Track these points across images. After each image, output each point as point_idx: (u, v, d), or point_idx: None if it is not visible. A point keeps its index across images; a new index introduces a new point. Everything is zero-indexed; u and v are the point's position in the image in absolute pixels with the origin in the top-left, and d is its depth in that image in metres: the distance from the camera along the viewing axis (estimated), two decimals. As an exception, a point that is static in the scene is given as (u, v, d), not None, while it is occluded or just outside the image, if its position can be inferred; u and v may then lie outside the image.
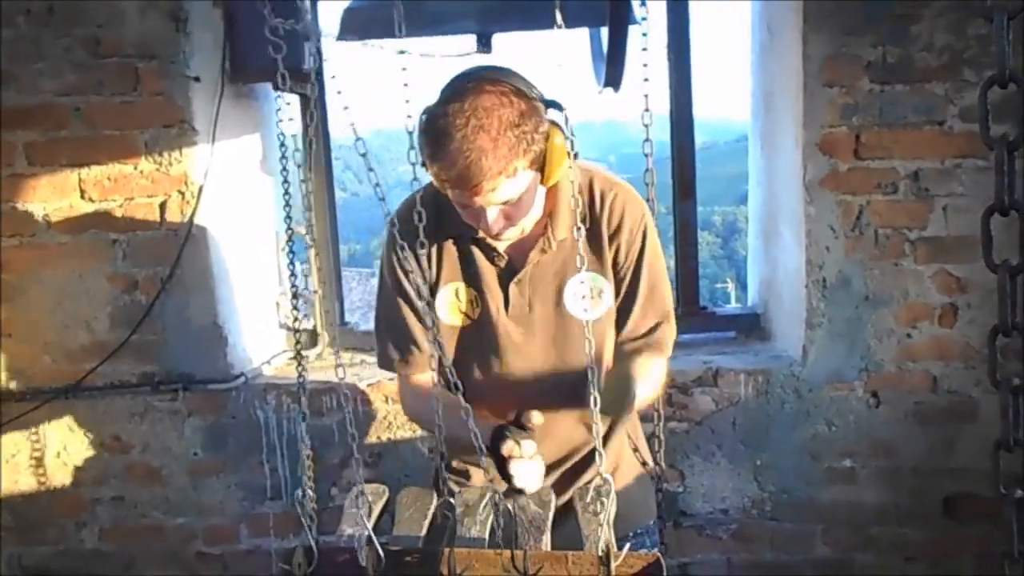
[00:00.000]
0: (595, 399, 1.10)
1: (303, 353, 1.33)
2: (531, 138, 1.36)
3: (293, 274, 1.39)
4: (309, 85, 0.99)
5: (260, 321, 2.74)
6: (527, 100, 1.37)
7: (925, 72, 2.30)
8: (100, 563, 2.69)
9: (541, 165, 1.41)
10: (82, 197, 2.48)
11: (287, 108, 1.14)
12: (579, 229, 1.10)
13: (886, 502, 2.50)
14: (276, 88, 1.03)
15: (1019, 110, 0.66)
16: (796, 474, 2.52)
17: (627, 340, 1.60)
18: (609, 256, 1.56)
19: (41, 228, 2.50)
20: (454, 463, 1.71)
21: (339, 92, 1.01)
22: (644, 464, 1.78)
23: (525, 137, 1.35)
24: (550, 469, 1.65)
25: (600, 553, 1.12)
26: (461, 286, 1.58)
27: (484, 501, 1.31)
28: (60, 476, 2.64)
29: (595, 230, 1.54)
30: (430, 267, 1.56)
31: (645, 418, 2.40)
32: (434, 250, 1.56)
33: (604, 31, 2.26)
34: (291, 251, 1.37)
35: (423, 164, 1.41)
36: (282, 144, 1.14)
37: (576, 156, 1.45)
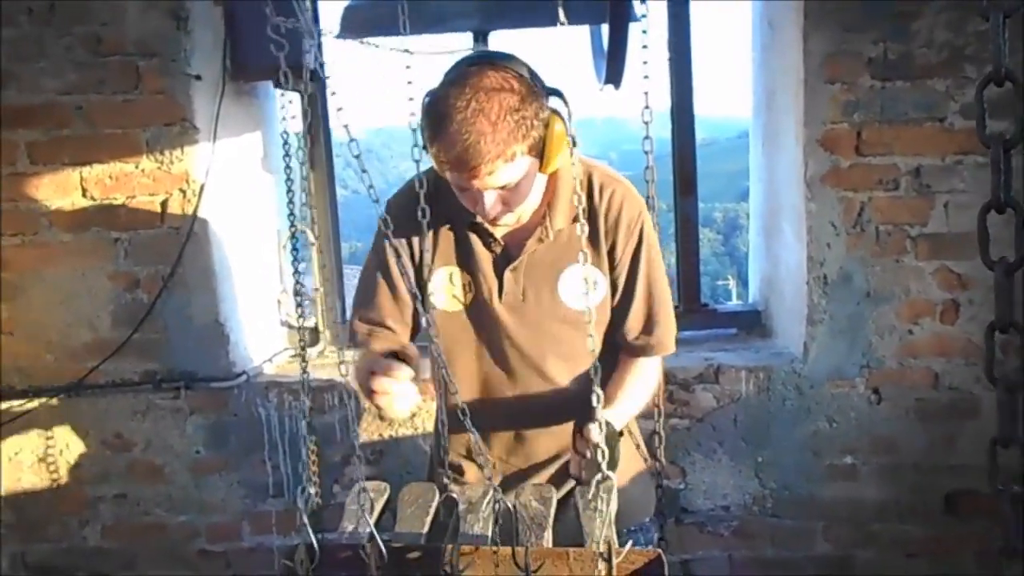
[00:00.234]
0: (598, 396, 1.11)
1: (306, 351, 1.33)
2: (531, 124, 1.37)
3: (296, 272, 1.39)
4: (309, 83, 0.99)
5: (262, 319, 2.74)
6: (528, 86, 1.38)
7: (926, 68, 2.30)
8: (102, 561, 2.70)
9: (540, 152, 1.41)
10: (84, 195, 2.48)
11: (289, 106, 1.14)
12: (583, 225, 1.11)
13: (887, 499, 2.51)
14: (278, 86, 1.04)
15: (1017, 108, 0.66)
16: (797, 471, 2.52)
17: (626, 337, 1.60)
18: (605, 250, 1.57)
19: (43, 227, 2.50)
20: (449, 458, 1.72)
21: (333, 93, 1.01)
22: (646, 460, 1.79)
23: (525, 122, 1.36)
24: (547, 463, 1.66)
25: (601, 550, 1.12)
26: (456, 271, 1.58)
27: (486, 498, 1.32)
28: (62, 474, 2.65)
29: (593, 223, 1.55)
30: (424, 251, 1.57)
31: (646, 415, 2.41)
32: (429, 234, 1.56)
33: (605, 28, 2.26)
34: (294, 248, 1.37)
35: (424, 147, 1.42)
36: (285, 143, 1.14)
37: (576, 144, 1.46)
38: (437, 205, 1.49)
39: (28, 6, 2.37)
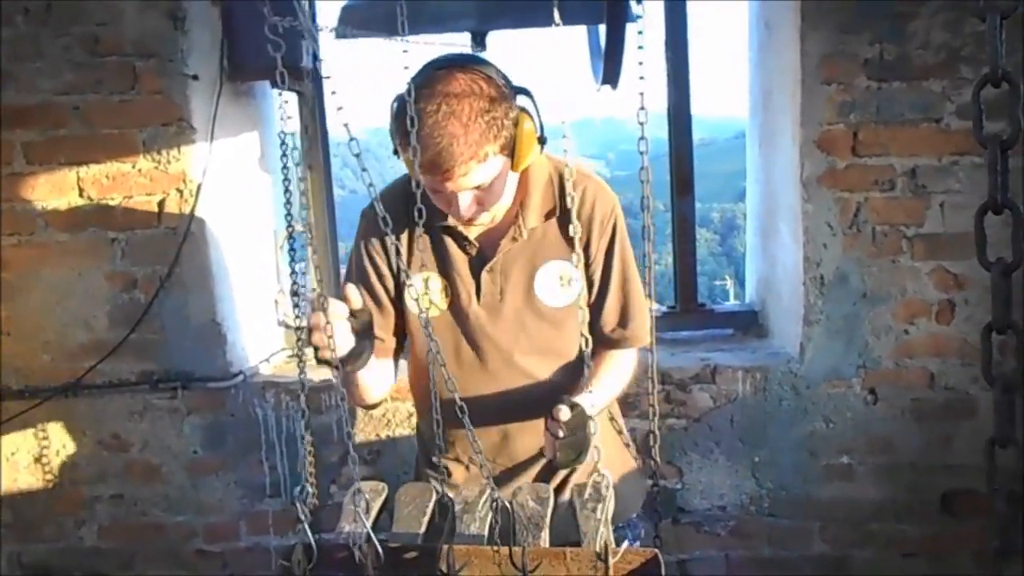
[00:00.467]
0: (589, 387, 1.11)
1: (302, 351, 1.33)
2: (501, 123, 1.38)
3: (293, 272, 1.39)
4: (306, 83, 0.99)
5: (259, 319, 2.74)
6: (497, 86, 1.40)
7: (922, 69, 2.31)
8: (100, 561, 2.69)
9: (511, 151, 1.43)
10: (81, 196, 2.48)
11: (286, 106, 1.14)
12: (576, 227, 1.11)
13: (884, 499, 2.51)
14: (275, 86, 1.03)
15: (1012, 110, 0.66)
16: (794, 471, 2.52)
17: (602, 331, 1.62)
18: (580, 246, 1.58)
19: (40, 227, 2.50)
20: (434, 459, 1.72)
21: (333, 92, 1.01)
22: (635, 458, 1.80)
23: (496, 123, 1.37)
24: (532, 461, 1.66)
25: (598, 550, 1.13)
26: (432, 275, 1.59)
27: (483, 498, 1.32)
28: (59, 474, 2.65)
29: (566, 219, 1.56)
30: (399, 257, 1.58)
31: (643, 415, 2.42)
32: (404, 239, 1.58)
33: (602, 28, 2.26)
34: (292, 248, 1.37)
35: (395, 152, 1.43)
36: (283, 143, 1.14)
37: (544, 142, 1.47)
38: (411, 211, 1.50)
39: (25, 6, 2.37)
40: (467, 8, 2.12)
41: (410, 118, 1.09)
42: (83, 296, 2.52)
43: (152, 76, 2.40)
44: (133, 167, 2.46)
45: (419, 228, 1.55)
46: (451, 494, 1.31)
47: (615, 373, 1.66)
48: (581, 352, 1.63)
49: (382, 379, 1.64)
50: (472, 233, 1.57)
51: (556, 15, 1.14)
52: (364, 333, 1.39)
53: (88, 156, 2.46)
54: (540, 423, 1.61)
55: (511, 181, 1.50)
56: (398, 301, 1.62)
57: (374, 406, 1.74)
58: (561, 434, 1.37)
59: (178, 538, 2.67)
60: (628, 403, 2.45)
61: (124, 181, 2.47)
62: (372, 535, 1.12)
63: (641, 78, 1.19)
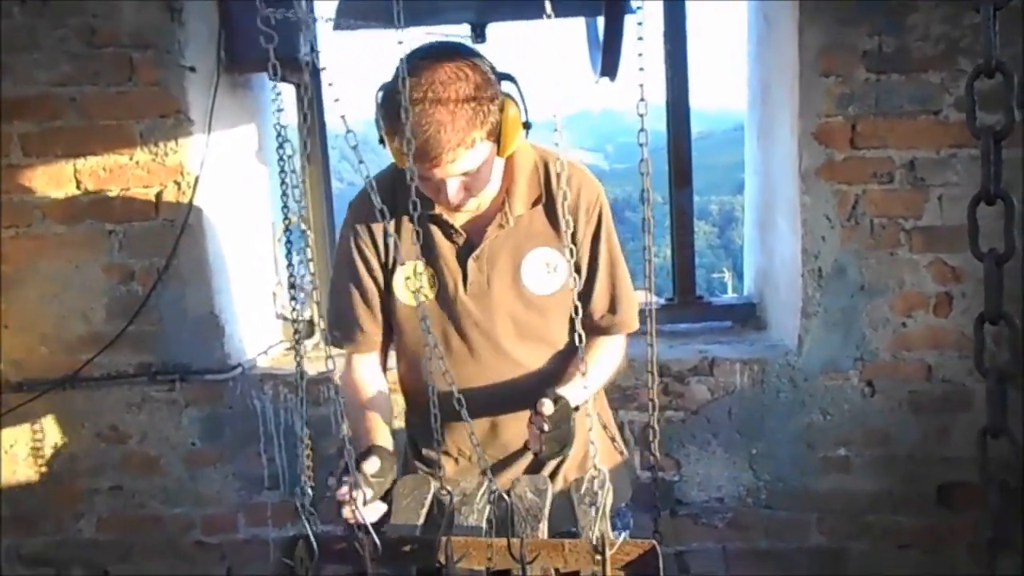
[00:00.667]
0: (583, 373, 1.12)
1: (300, 344, 1.33)
2: (487, 109, 1.39)
3: (290, 264, 1.39)
4: (304, 75, 0.99)
5: (257, 311, 2.74)
6: (481, 73, 1.40)
7: (921, 61, 2.31)
8: (98, 553, 2.70)
9: (498, 136, 1.44)
10: (78, 188, 2.48)
11: (283, 98, 1.14)
12: (568, 221, 1.11)
13: (880, 490, 2.52)
14: (271, 78, 1.03)
15: (1005, 101, 0.66)
16: (791, 463, 2.53)
17: (592, 317, 1.63)
18: (568, 233, 1.58)
19: (37, 219, 2.50)
20: (423, 451, 1.72)
21: (330, 84, 1.01)
22: (621, 453, 1.80)
23: (482, 108, 1.38)
24: (522, 451, 1.67)
25: (596, 541, 1.13)
26: (419, 265, 1.59)
27: (481, 490, 1.32)
28: (58, 466, 2.65)
29: (552, 207, 1.57)
30: (387, 247, 1.59)
31: (641, 408, 2.42)
32: (391, 229, 1.58)
33: (600, 21, 2.26)
34: (288, 241, 1.37)
35: (380, 140, 1.44)
36: (279, 135, 1.13)
37: (529, 127, 1.48)
38: (396, 201, 1.50)
39: (21, -3, 2.36)
40: (466, 1, 2.12)
41: (404, 108, 1.08)
42: (81, 288, 2.52)
43: (149, 68, 2.40)
44: (130, 159, 2.46)
45: (410, 217, 1.55)
46: (449, 486, 1.32)
47: (605, 360, 1.67)
48: (570, 339, 1.64)
49: (381, 402, 1.65)
50: (458, 221, 1.57)
51: (548, 8, 1.13)
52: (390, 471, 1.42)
53: (85, 148, 2.45)
54: (529, 414, 1.62)
55: (497, 167, 1.52)
56: (386, 292, 1.63)
57: None
58: (546, 428, 1.38)
59: (176, 530, 2.68)
60: (626, 395, 2.46)
61: (121, 173, 2.47)
62: (369, 527, 1.12)
63: (640, 70, 1.19)
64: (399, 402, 1.79)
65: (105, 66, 2.40)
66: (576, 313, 1.11)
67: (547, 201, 1.57)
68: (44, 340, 2.56)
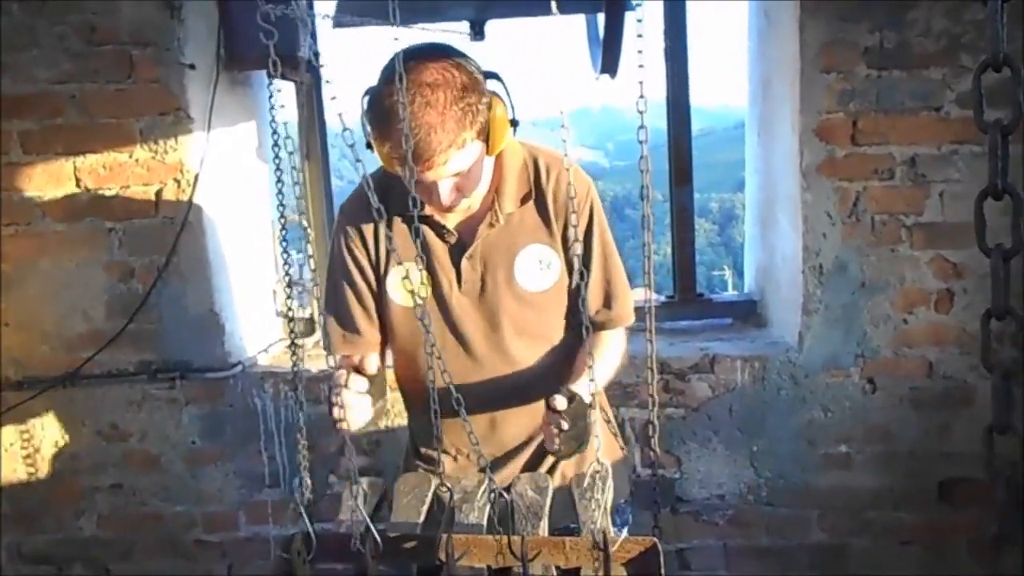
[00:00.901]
0: (592, 374, 1.11)
1: (300, 342, 1.33)
2: (476, 109, 1.39)
3: (287, 263, 1.39)
4: (302, 72, 0.98)
5: (257, 309, 2.74)
6: (467, 73, 1.40)
7: (922, 58, 2.30)
8: (99, 551, 2.70)
9: (487, 135, 1.43)
10: (78, 186, 2.47)
11: (282, 95, 1.14)
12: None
13: (882, 487, 2.52)
14: (270, 75, 1.03)
15: (1013, 95, 0.66)
16: (792, 460, 2.53)
17: (588, 311, 1.61)
18: (558, 230, 1.58)
19: (37, 217, 2.49)
20: (422, 450, 1.72)
21: (328, 81, 1.01)
22: (622, 448, 1.80)
23: (471, 109, 1.38)
24: (520, 448, 1.66)
25: (597, 539, 1.13)
26: (412, 266, 1.59)
27: (482, 487, 1.32)
28: (58, 465, 2.65)
29: (542, 203, 1.57)
30: (379, 249, 1.59)
31: (642, 405, 2.42)
32: (383, 232, 1.57)
33: (601, 17, 2.26)
34: (284, 240, 1.37)
35: (368, 146, 1.43)
36: (275, 132, 1.13)
37: (516, 124, 1.48)
38: (388, 203, 1.50)
39: (20, -6, 2.36)
40: (465, -3, 2.11)
41: (401, 104, 1.08)
42: (81, 286, 2.52)
43: (149, 65, 2.39)
44: (130, 157, 2.45)
45: (402, 218, 1.56)
46: (449, 484, 1.31)
47: (606, 355, 1.66)
48: (566, 335, 1.63)
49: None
50: (450, 221, 1.57)
51: (554, 6, 1.13)
52: (380, 396, 1.46)
53: (85, 146, 2.45)
54: (527, 410, 1.62)
55: (486, 166, 1.51)
56: (380, 294, 1.62)
57: None
58: (564, 426, 1.36)
59: (177, 528, 2.67)
60: (627, 392, 2.45)
61: (121, 171, 2.46)
62: (371, 524, 1.12)
63: (640, 67, 1.18)
64: (399, 400, 1.79)
65: (105, 64, 2.40)
66: (582, 306, 1.11)
67: (537, 197, 1.57)
68: (44, 338, 2.55)
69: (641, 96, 1.19)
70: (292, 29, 1.07)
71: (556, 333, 1.62)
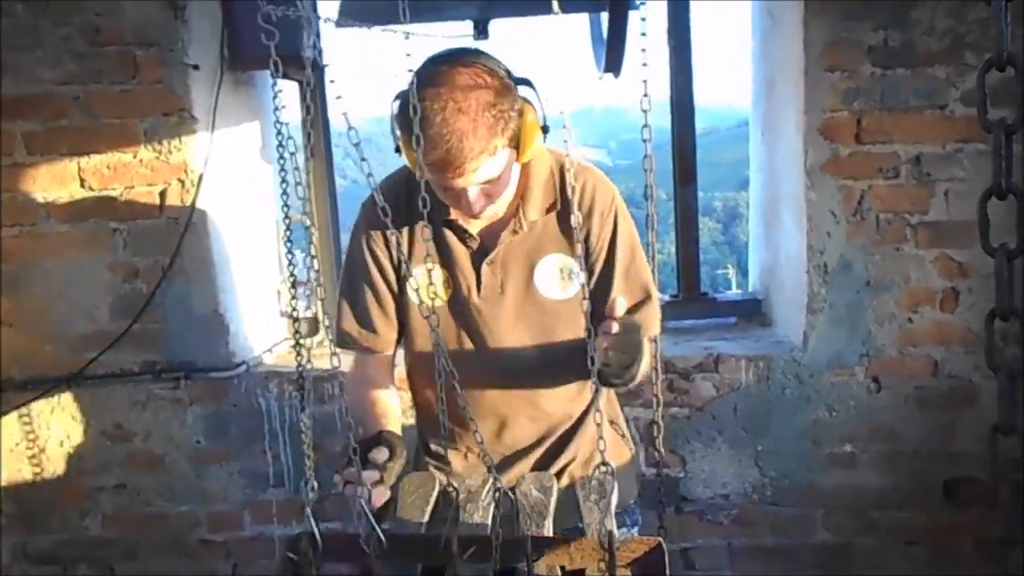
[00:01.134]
0: (595, 384, 1.10)
1: (304, 342, 1.33)
2: (508, 116, 1.37)
3: (291, 263, 1.39)
4: (306, 72, 0.98)
5: (261, 309, 2.74)
6: (499, 78, 1.38)
7: (926, 56, 2.30)
8: (103, 551, 2.70)
9: (517, 142, 1.42)
10: (82, 186, 2.48)
11: (286, 95, 1.14)
12: (568, 205, 1.10)
13: (886, 487, 2.51)
14: (273, 75, 1.03)
15: (1018, 94, 0.66)
16: (797, 459, 2.52)
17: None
18: (581, 239, 1.57)
19: (41, 217, 2.50)
20: (432, 446, 1.72)
21: (332, 81, 1.00)
22: (631, 449, 1.80)
23: (503, 116, 1.36)
24: (531, 448, 1.66)
25: (602, 539, 1.13)
26: (433, 268, 1.59)
27: (486, 487, 1.32)
28: (63, 465, 2.65)
29: (566, 212, 1.56)
30: (400, 250, 1.58)
31: (646, 404, 2.42)
32: (405, 233, 1.57)
33: (604, 16, 2.25)
34: (288, 240, 1.37)
35: (396, 150, 1.42)
36: (279, 132, 1.13)
37: (547, 132, 1.46)
38: (410, 204, 1.50)
39: (24, -5, 2.36)
40: (469, -3, 2.11)
41: (419, 114, 1.06)
42: (85, 287, 2.52)
43: (153, 66, 2.40)
44: (134, 157, 2.45)
45: (422, 221, 1.55)
46: (455, 483, 1.31)
47: None
48: (584, 345, 1.62)
49: (392, 398, 1.66)
50: (473, 226, 1.56)
51: (555, 5, 1.13)
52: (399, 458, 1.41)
53: (89, 146, 2.45)
54: (539, 415, 1.62)
55: (513, 172, 1.50)
56: (398, 293, 1.62)
57: None
58: (615, 328, 1.32)
59: (182, 528, 2.68)
60: (631, 392, 2.45)
61: (125, 171, 2.47)
62: (375, 524, 1.12)
63: (644, 66, 1.18)
64: (407, 400, 1.79)
65: (108, 64, 2.40)
66: (586, 317, 1.09)
67: (562, 207, 1.55)
68: (49, 338, 2.56)
69: (645, 95, 1.19)
70: (296, 29, 1.07)
71: (574, 346, 1.61)
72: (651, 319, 1.62)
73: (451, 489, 1.29)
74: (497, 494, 1.24)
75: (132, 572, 2.72)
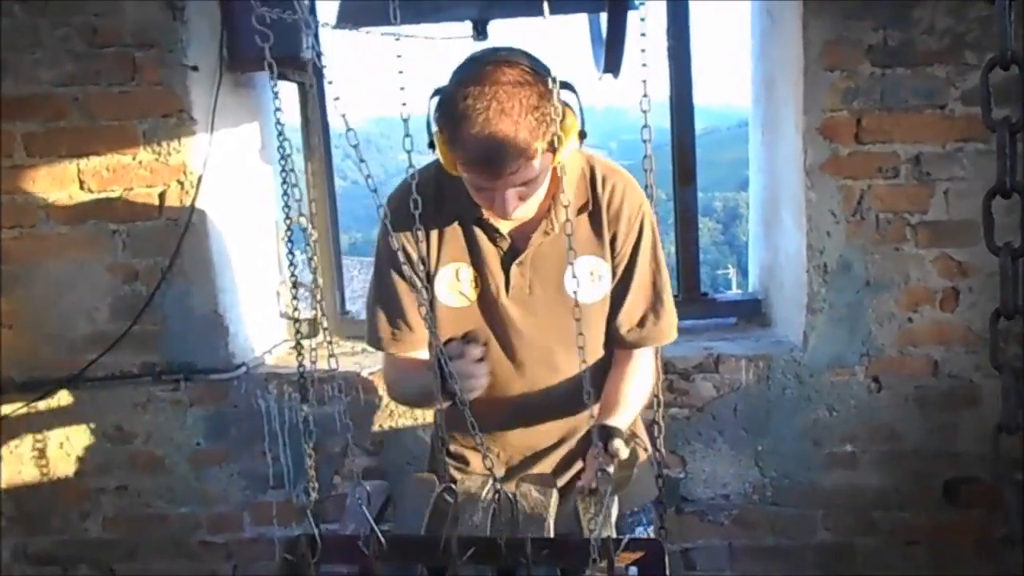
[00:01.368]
0: (588, 393, 1.11)
1: (303, 343, 1.33)
2: (549, 119, 1.35)
3: (292, 264, 1.39)
4: (307, 74, 0.98)
5: (261, 310, 2.74)
6: (543, 81, 1.36)
7: (926, 55, 2.29)
8: (104, 552, 2.70)
9: (555, 146, 1.41)
10: (81, 188, 2.48)
11: (285, 96, 1.14)
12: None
13: (887, 487, 2.51)
14: (270, 77, 1.03)
15: (1020, 92, 0.65)
16: (797, 459, 2.52)
17: (620, 328, 1.61)
18: (608, 241, 1.56)
19: (41, 219, 2.50)
20: (452, 448, 1.72)
21: (330, 82, 1.00)
22: (646, 450, 1.79)
23: (545, 119, 1.34)
24: (548, 451, 1.66)
25: (601, 539, 1.12)
26: (462, 266, 1.58)
27: (486, 489, 1.31)
28: (63, 466, 2.65)
29: (597, 215, 1.55)
30: (430, 248, 1.56)
31: (647, 404, 2.41)
32: (435, 231, 1.55)
33: (604, 17, 2.25)
34: (289, 240, 1.37)
35: (430, 145, 1.40)
36: (280, 133, 1.13)
37: (585, 136, 1.45)
38: (441, 201, 1.49)
39: (22, -4, 2.36)
40: (468, -3, 2.11)
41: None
42: (85, 288, 2.52)
43: (152, 67, 2.39)
44: (134, 159, 2.45)
45: (454, 220, 1.54)
46: (454, 485, 1.31)
47: (640, 379, 1.62)
48: (607, 348, 1.62)
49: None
50: (504, 226, 1.54)
51: (546, 8, 1.12)
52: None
53: (88, 148, 2.45)
54: (560, 413, 1.63)
55: (547, 174, 1.49)
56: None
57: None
58: (611, 471, 1.35)
59: (182, 529, 2.68)
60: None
61: (125, 173, 2.46)
62: (375, 526, 1.12)
63: (643, 66, 1.18)
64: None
65: (107, 65, 2.40)
66: (577, 323, 1.10)
67: (593, 209, 1.54)
68: (48, 340, 2.56)
69: (645, 95, 1.19)
70: (294, 30, 1.07)
71: (600, 346, 1.61)
72: (665, 329, 1.62)
73: (451, 491, 1.29)
74: (497, 496, 1.24)
75: (132, 573, 2.71)
